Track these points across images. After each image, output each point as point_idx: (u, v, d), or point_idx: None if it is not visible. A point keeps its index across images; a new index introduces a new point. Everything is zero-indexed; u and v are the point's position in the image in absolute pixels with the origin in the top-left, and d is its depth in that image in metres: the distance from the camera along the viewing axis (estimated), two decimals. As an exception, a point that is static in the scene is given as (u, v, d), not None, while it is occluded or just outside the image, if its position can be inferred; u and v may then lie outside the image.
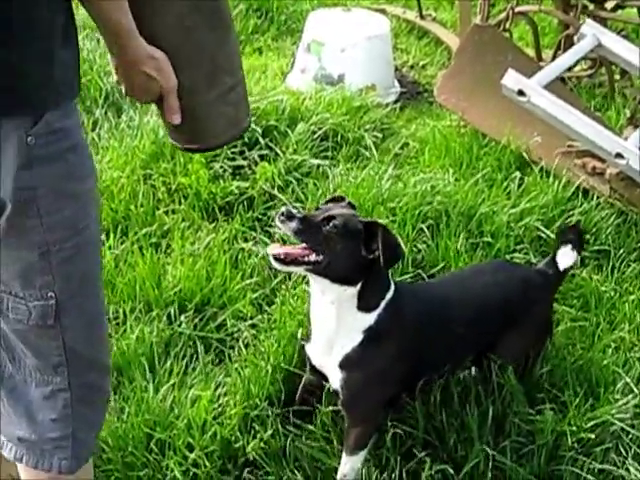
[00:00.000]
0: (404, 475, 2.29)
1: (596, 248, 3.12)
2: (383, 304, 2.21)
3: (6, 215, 1.47)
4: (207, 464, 2.28)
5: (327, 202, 2.34)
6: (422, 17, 4.87)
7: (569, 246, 2.61)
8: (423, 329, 2.29)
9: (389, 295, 2.22)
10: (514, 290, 2.53)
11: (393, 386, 2.31)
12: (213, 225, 3.14)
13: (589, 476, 2.30)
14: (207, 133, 1.85)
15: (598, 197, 3.32)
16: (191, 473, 2.27)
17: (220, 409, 2.42)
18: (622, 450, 2.37)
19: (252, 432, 2.38)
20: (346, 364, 2.20)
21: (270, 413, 2.42)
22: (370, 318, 2.19)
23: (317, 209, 2.30)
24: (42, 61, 1.44)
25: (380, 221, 2.43)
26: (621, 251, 3.12)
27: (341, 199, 2.35)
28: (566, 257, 2.60)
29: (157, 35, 1.63)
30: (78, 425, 1.74)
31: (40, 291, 1.60)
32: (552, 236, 3.07)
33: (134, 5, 1.52)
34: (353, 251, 2.12)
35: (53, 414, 1.71)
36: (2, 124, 1.39)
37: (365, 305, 2.18)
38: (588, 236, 3.14)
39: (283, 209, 2.08)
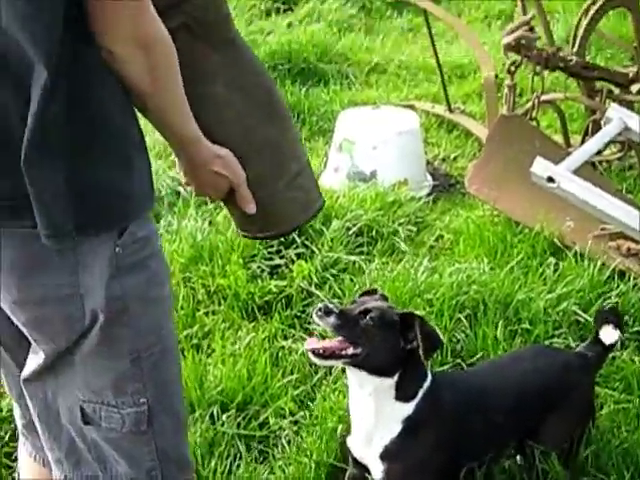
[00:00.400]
0: None
1: (636, 329, 3.10)
2: (421, 394, 2.22)
3: (99, 325, 1.54)
4: None
5: (361, 295, 2.37)
6: (451, 110, 4.94)
7: (611, 325, 2.60)
8: (461, 418, 2.29)
9: (426, 384, 2.23)
10: (554, 375, 2.52)
11: (434, 475, 2.29)
12: (253, 324, 3.16)
13: None
14: (279, 219, 1.92)
15: (635, 278, 3.31)
16: None
17: (266, 508, 2.42)
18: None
19: (299, 530, 2.38)
20: (386, 455, 2.20)
21: (316, 510, 2.42)
22: (408, 408, 2.20)
23: (352, 303, 2.34)
24: (125, 175, 1.50)
25: (416, 312, 2.45)
26: (662, 331, 3.10)
27: (374, 292, 2.38)
28: (609, 335, 2.59)
29: (220, 136, 1.70)
30: None
31: (132, 398, 1.63)
32: (590, 320, 3.05)
33: (192, 107, 1.57)
34: (391, 342, 2.15)
35: None
36: (94, 239, 1.46)
37: (403, 395, 2.19)
38: (627, 317, 3.13)
39: (320, 305, 2.11)
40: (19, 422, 1.99)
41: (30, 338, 1.60)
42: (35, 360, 1.63)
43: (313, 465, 2.50)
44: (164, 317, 1.69)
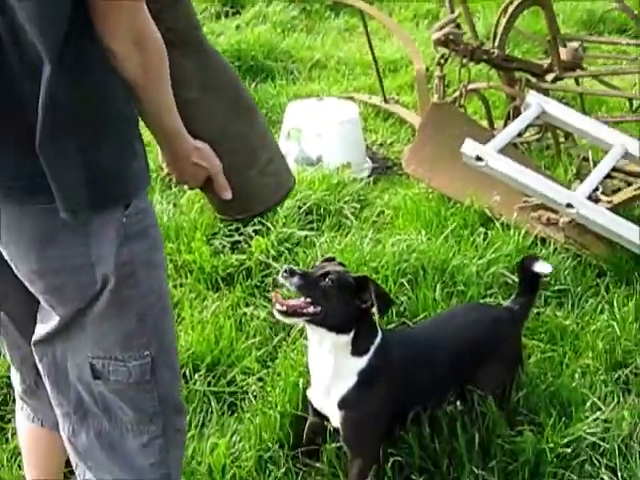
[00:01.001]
0: (405, 499, 2.34)
1: (557, 288, 3.19)
2: (372, 349, 2.29)
3: (109, 289, 1.58)
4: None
5: (322, 262, 2.43)
6: (386, 101, 4.97)
7: (539, 261, 2.68)
8: (408, 369, 2.37)
9: (377, 341, 2.30)
10: (485, 328, 2.60)
11: (386, 421, 2.36)
12: (217, 294, 3.20)
13: (569, 487, 2.35)
14: (255, 202, 1.99)
15: (554, 244, 3.39)
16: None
17: (236, 454, 2.46)
18: (595, 462, 2.42)
19: (266, 472, 2.41)
20: (343, 404, 2.27)
21: (281, 454, 2.46)
22: (362, 362, 2.27)
23: (313, 267, 2.40)
24: (129, 155, 1.55)
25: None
26: (579, 289, 3.19)
27: (332, 259, 2.45)
28: (543, 267, 2.66)
29: (196, 132, 1.74)
30: (172, 465, 1.81)
31: (138, 352, 1.67)
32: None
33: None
34: (347, 302, 2.22)
35: (152, 459, 1.76)
36: (104, 212, 1.51)
37: (357, 350, 2.26)
38: (549, 278, 3.21)
39: (285, 267, 2.20)
40: (19, 388, 2.01)
41: (46, 304, 1.63)
42: (48, 324, 1.66)
43: (278, 416, 2.54)
44: (162, 279, 1.74)
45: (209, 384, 2.75)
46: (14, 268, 1.60)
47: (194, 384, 2.73)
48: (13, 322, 1.84)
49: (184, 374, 2.74)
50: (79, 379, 1.70)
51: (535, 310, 3.05)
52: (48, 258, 1.54)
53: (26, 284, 1.62)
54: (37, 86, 1.35)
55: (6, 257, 1.59)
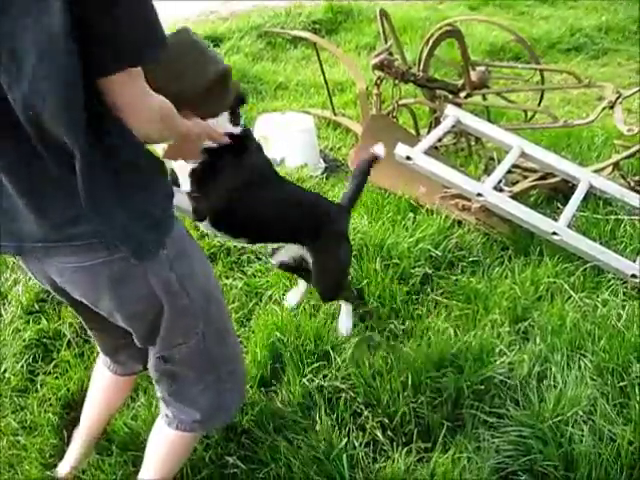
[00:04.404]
0: (354, 427, 2.32)
1: (470, 260, 3.18)
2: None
3: (169, 304, 1.56)
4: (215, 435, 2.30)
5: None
6: (335, 114, 4.94)
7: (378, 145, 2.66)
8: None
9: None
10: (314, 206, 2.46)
11: None
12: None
13: (482, 415, 2.35)
14: None
15: (468, 225, 3.39)
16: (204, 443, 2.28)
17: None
18: (502, 395, 2.43)
19: (244, 412, 2.39)
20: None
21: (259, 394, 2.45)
22: None
23: None
24: (165, 192, 1.51)
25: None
26: (487, 260, 3.18)
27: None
28: (379, 149, 2.64)
29: None
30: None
31: (194, 333, 1.66)
32: (440, 254, 3.13)
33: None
34: None
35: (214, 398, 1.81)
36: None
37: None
38: (464, 252, 3.21)
39: None
40: (102, 350, 2.08)
41: (130, 329, 1.65)
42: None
43: (255, 363, 2.54)
44: (208, 278, 1.71)
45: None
46: (92, 306, 1.58)
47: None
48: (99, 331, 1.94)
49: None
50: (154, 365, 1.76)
51: (453, 277, 3.06)
52: (119, 296, 1.51)
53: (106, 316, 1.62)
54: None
55: (81, 299, 1.57)
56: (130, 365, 2.04)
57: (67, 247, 1.41)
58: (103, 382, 2.13)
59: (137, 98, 1.28)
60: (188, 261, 1.59)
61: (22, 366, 2.64)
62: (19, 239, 1.43)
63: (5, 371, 2.64)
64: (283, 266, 2.60)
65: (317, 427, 2.30)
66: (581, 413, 2.30)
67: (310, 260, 2.45)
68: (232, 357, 1.85)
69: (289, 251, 2.50)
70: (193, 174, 2.02)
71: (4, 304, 2.96)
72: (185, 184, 2.04)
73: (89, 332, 2.04)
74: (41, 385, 2.57)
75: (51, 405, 2.48)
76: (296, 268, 2.57)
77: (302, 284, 2.82)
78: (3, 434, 2.40)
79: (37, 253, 1.45)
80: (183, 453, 1.94)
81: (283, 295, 2.90)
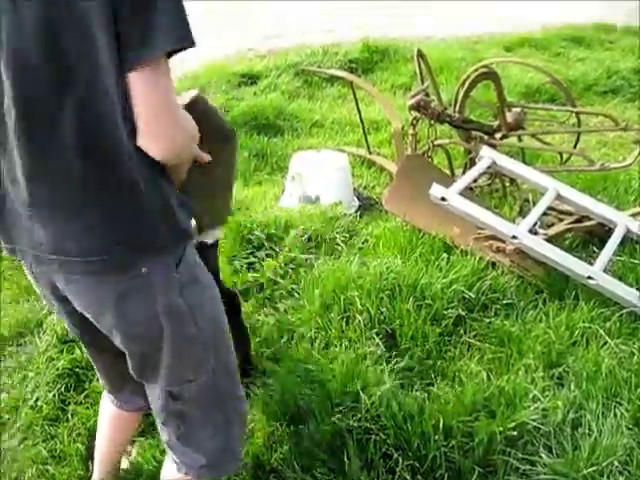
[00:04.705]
0: (384, 470, 2.29)
1: (504, 302, 3.14)
2: None
3: (173, 330, 1.53)
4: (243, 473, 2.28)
5: None
6: (370, 153, 4.97)
7: None
8: None
9: None
10: None
11: None
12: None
13: (515, 462, 2.31)
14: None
15: (502, 267, 3.36)
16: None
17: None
18: (535, 442, 2.38)
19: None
20: None
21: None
22: None
23: None
24: (185, 210, 1.53)
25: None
26: (522, 303, 3.14)
27: None
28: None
29: None
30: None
31: (205, 370, 1.63)
32: (473, 296, 3.10)
33: None
34: None
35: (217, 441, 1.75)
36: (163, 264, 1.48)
37: None
38: (498, 294, 3.18)
39: None
40: (106, 387, 2.04)
41: (127, 352, 1.61)
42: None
43: (283, 401, 2.51)
44: (216, 308, 1.68)
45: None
46: (94, 321, 1.56)
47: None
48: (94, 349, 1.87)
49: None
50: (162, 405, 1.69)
51: (487, 320, 3.03)
52: (123, 313, 1.49)
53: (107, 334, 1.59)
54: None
55: (82, 311, 1.55)
56: (134, 401, 1.99)
57: (82, 263, 1.42)
58: (108, 416, 2.10)
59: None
60: (199, 289, 1.57)
61: (54, 395, 2.66)
62: (34, 248, 1.45)
63: (38, 399, 2.66)
64: None
65: (346, 468, 2.28)
66: (617, 463, 2.25)
67: None
68: (238, 393, 1.81)
69: None
70: None
71: (40, 333, 2.99)
72: None
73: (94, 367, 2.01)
74: (72, 415, 2.59)
75: (79, 435, 2.49)
76: None
77: None
78: (33, 462, 2.42)
79: (52, 265, 1.46)
80: None
81: (315, 333, 2.89)
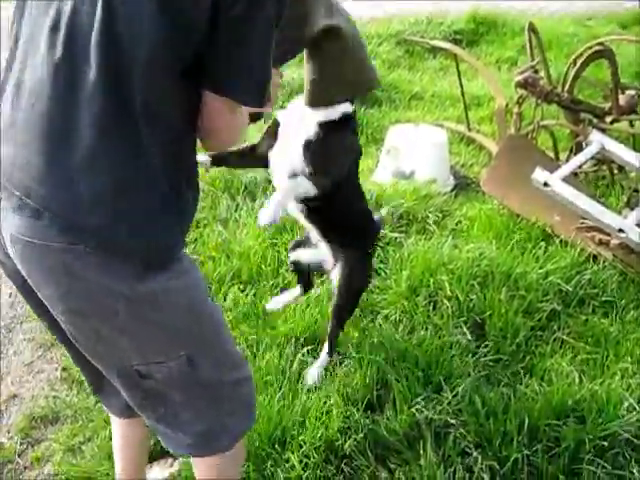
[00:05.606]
0: (461, 467, 2.19)
1: (604, 299, 2.97)
2: None
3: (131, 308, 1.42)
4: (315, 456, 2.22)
5: None
6: (469, 129, 4.79)
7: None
8: None
9: None
10: None
11: None
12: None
13: (603, 474, 2.17)
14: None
15: (604, 261, 3.17)
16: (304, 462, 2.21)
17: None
18: (627, 455, 2.24)
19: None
20: None
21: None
22: None
23: None
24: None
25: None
26: (623, 301, 2.95)
27: None
28: None
29: None
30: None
31: (178, 355, 1.51)
32: (570, 290, 2.94)
33: None
34: None
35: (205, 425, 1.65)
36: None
37: None
38: (597, 290, 3.00)
39: None
40: (89, 387, 1.93)
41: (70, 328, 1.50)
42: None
43: (361, 386, 2.44)
44: (187, 293, 1.53)
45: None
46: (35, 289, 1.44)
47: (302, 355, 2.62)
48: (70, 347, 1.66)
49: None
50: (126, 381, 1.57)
51: (583, 317, 2.87)
52: (70, 287, 1.38)
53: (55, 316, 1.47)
54: None
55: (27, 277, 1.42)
56: (119, 400, 1.78)
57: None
58: (114, 425, 2.02)
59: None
60: (182, 280, 1.47)
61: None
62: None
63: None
64: (295, 265, 2.65)
65: (421, 461, 2.19)
66: None
67: (330, 270, 2.48)
68: (233, 377, 1.67)
69: (314, 254, 2.50)
70: (307, 148, 2.09)
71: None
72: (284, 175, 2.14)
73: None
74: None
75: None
76: (303, 274, 2.64)
77: (292, 293, 2.78)
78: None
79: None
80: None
81: (400, 316, 2.79)
